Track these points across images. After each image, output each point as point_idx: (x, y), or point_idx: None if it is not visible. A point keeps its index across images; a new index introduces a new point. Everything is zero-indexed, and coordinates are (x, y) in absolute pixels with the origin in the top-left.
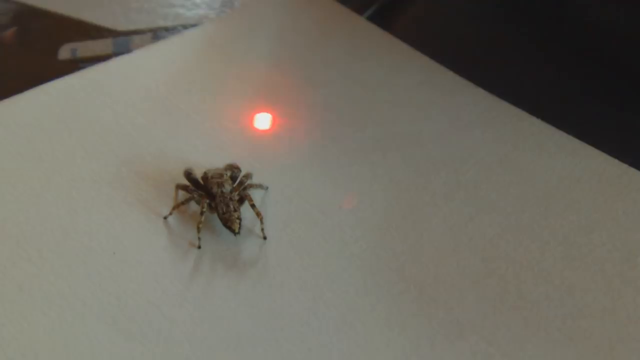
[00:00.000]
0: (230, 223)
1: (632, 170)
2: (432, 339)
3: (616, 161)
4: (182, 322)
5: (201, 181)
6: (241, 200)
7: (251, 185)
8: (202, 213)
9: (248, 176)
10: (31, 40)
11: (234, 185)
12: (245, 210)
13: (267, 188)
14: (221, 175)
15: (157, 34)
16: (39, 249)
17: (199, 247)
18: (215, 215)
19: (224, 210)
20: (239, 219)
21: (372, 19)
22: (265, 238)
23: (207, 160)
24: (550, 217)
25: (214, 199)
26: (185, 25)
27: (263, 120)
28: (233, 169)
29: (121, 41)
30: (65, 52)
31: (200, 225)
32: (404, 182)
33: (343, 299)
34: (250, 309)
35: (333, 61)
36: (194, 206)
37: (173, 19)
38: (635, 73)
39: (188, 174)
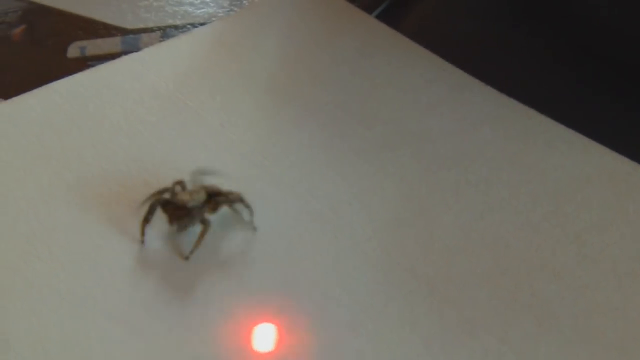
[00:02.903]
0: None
1: None
2: (443, 338)
3: (626, 159)
4: (193, 318)
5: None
6: (215, 207)
7: (228, 200)
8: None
9: (231, 195)
10: (40, 38)
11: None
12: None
13: (250, 208)
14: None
15: (166, 32)
16: (49, 247)
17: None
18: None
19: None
20: (186, 221)
21: (380, 17)
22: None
23: (216, 157)
24: (561, 215)
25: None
26: (194, 24)
27: (271, 118)
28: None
29: (130, 39)
30: (74, 51)
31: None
32: (415, 180)
33: (354, 297)
34: (261, 307)
35: (342, 59)
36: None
37: (182, 17)
38: None
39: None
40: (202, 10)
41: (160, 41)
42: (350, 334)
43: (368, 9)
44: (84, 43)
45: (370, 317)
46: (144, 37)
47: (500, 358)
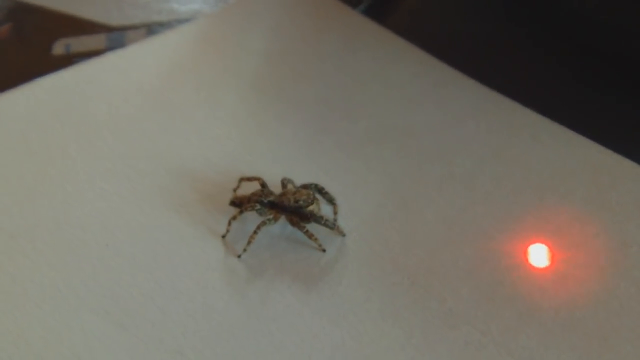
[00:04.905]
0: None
1: (626, 160)
2: (425, 330)
3: (609, 152)
4: (175, 313)
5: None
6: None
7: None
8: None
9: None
10: (25, 35)
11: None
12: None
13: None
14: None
15: (151, 29)
16: (33, 242)
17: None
18: None
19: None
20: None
21: (366, 12)
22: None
23: (200, 152)
24: (543, 208)
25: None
26: (180, 20)
27: (256, 114)
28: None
29: (115, 36)
30: (59, 48)
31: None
32: (398, 174)
33: (336, 289)
34: (243, 300)
35: (327, 55)
36: (186, 197)
37: (167, 14)
38: (627, 64)
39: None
40: (188, 7)
41: (146, 38)
42: (332, 326)
43: (353, 4)
44: (69, 40)
45: (352, 310)
46: (130, 34)
47: (481, 349)
